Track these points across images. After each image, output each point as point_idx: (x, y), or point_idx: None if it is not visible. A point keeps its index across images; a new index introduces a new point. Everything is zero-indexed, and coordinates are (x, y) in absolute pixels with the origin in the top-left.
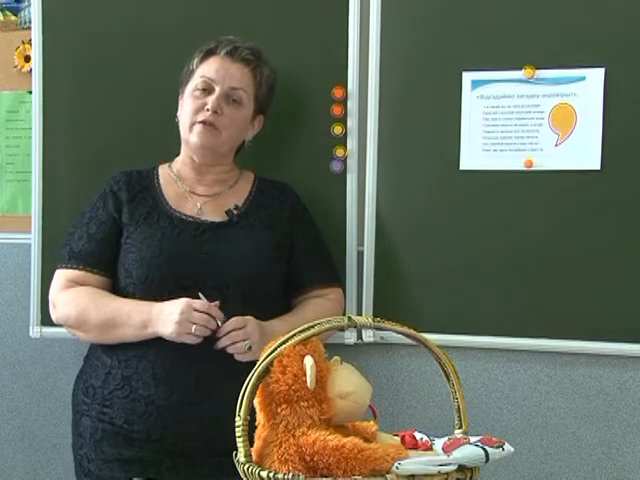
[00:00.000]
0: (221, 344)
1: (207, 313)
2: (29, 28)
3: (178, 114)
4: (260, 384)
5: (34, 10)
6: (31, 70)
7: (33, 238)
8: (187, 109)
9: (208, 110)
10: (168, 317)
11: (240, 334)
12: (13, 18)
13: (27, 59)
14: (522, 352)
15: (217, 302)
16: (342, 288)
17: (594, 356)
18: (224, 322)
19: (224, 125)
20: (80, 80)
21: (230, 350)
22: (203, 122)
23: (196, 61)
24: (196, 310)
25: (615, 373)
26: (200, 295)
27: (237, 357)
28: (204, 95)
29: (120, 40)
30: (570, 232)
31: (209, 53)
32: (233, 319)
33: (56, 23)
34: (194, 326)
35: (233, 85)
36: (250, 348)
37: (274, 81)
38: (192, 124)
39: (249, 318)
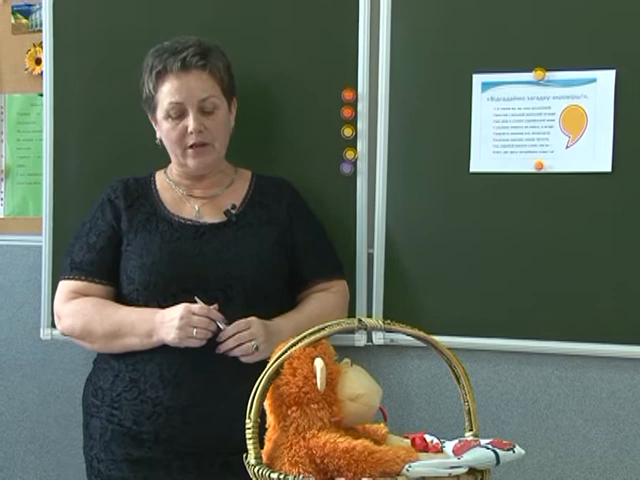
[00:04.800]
0: (225, 347)
1: (206, 316)
2: (40, 31)
3: (158, 136)
4: (270, 386)
5: (45, 13)
6: (42, 73)
7: (44, 240)
8: (170, 137)
9: (192, 133)
10: (169, 324)
11: (245, 335)
12: (24, 21)
13: (38, 62)
14: (533, 355)
15: (216, 305)
16: (346, 280)
17: (605, 359)
18: (226, 324)
19: (213, 137)
20: (91, 83)
21: (236, 352)
22: (194, 145)
23: (152, 86)
24: (195, 314)
25: (626, 376)
26: (197, 299)
27: (244, 359)
28: (179, 119)
29: (130, 43)
30: (581, 234)
31: (161, 74)
32: (235, 322)
33: (67, 26)
34: (195, 330)
35: (201, 97)
36: (257, 348)
37: (228, 63)
38: (183, 150)
39: (252, 319)
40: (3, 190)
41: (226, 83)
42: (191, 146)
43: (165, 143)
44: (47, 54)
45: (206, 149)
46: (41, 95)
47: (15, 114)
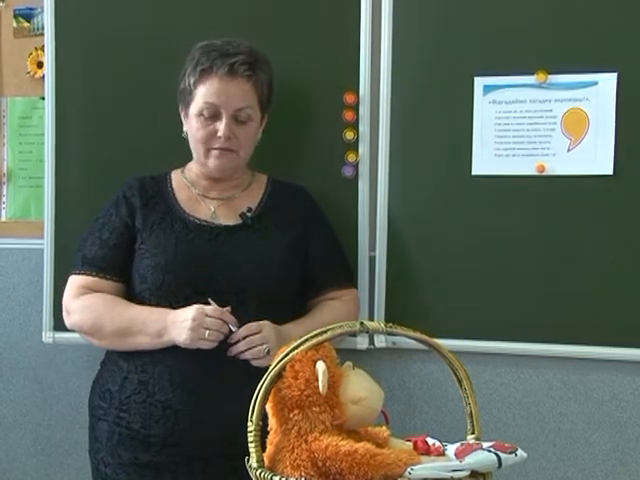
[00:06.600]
0: (236, 350)
1: (219, 318)
2: (42, 34)
3: (185, 129)
4: (272, 389)
5: (47, 16)
6: (44, 76)
7: (46, 243)
8: (197, 135)
9: (220, 138)
10: (181, 325)
11: (257, 339)
12: (26, 25)
13: (40, 65)
14: (535, 357)
15: (228, 307)
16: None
17: (607, 362)
18: (238, 327)
19: (240, 146)
20: (93, 86)
21: (246, 355)
22: (219, 148)
23: (192, 81)
24: (208, 316)
25: (628, 379)
26: (210, 301)
27: (254, 362)
28: (211, 120)
29: (132, 46)
30: (582, 237)
31: (205, 72)
32: (247, 325)
33: (69, 29)
34: (207, 331)
35: (238, 106)
36: (269, 352)
37: (272, 76)
38: (207, 151)
39: (264, 323)
40: (5, 193)
41: (265, 97)
42: (217, 148)
43: (190, 139)
44: (49, 57)
45: (230, 154)
46: (43, 98)
47: (17, 117)
